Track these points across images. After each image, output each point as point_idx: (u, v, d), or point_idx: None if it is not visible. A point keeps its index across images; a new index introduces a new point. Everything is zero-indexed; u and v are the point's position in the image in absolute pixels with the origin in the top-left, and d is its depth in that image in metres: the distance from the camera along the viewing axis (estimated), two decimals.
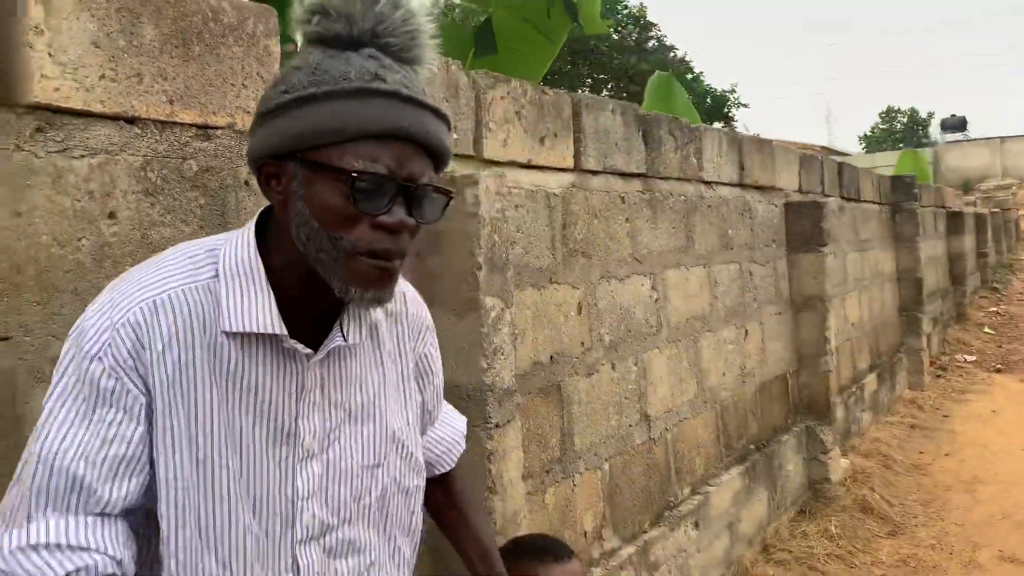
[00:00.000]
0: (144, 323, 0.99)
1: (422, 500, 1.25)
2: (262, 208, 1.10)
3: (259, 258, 1.03)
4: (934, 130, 42.15)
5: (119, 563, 0.97)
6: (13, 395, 1.36)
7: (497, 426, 2.14)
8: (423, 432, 1.31)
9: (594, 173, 3.04)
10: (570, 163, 2.89)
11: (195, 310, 1.01)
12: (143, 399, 0.99)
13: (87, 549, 0.95)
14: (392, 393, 1.18)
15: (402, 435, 1.18)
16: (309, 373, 1.07)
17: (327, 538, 1.10)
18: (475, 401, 2.11)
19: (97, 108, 1.49)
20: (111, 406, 0.98)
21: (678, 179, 3.62)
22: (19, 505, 0.96)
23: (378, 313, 1.16)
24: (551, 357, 2.74)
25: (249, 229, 1.07)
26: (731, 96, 19.92)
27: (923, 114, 46.47)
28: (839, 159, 6.25)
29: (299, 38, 1.05)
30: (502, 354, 2.14)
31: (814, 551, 4.08)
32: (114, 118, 1.52)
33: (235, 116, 1.74)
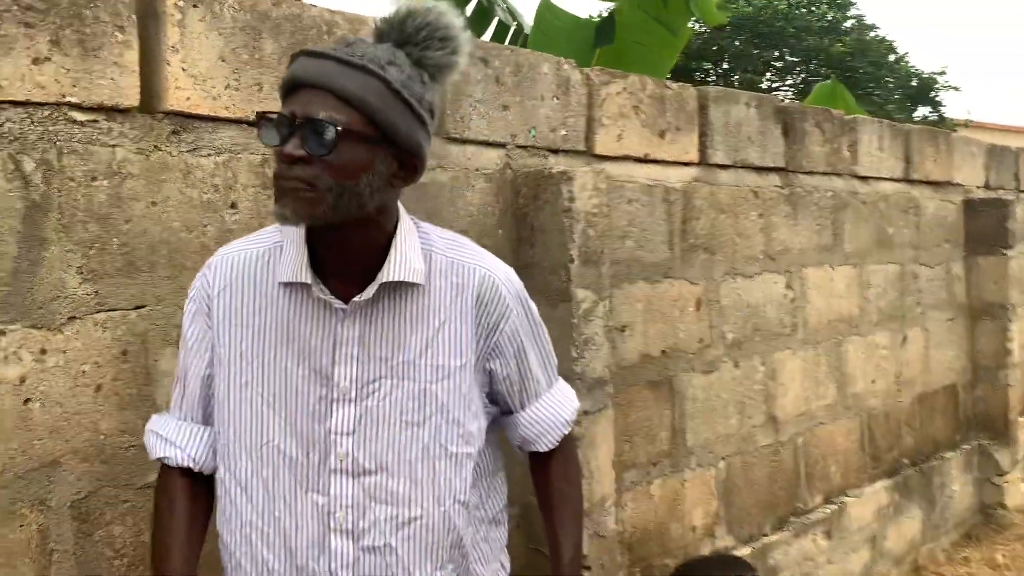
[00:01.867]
0: (211, 274, 1.32)
1: (472, 468, 1.34)
2: None
3: None
4: None
5: (194, 459, 1.32)
6: (146, 353, 1.66)
7: (586, 414, 2.23)
8: (520, 408, 1.41)
9: (722, 167, 3.01)
10: (694, 157, 2.89)
11: (249, 267, 1.29)
12: (209, 332, 1.30)
13: (173, 444, 1.32)
14: (440, 358, 1.28)
15: (445, 399, 1.29)
16: (343, 325, 1.24)
17: (366, 479, 1.25)
18: None
19: (223, 113, 1.75)
20: (192, 335, 1.32)
21: (824, 173, 3.47)
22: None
23: (435, 281, 1.29)
24: (663, 351, 2.77)
25: None
26: (939, 79, 18.06)
27: None
28: None
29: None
30: (593, 345, 2.22)
31: None
32: (237, 122, 1.78)
33: None
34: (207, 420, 1.33)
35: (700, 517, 2.92)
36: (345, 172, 1.15)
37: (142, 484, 1.63)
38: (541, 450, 1.46)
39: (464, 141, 2.21)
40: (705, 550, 2.94)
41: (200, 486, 1.34)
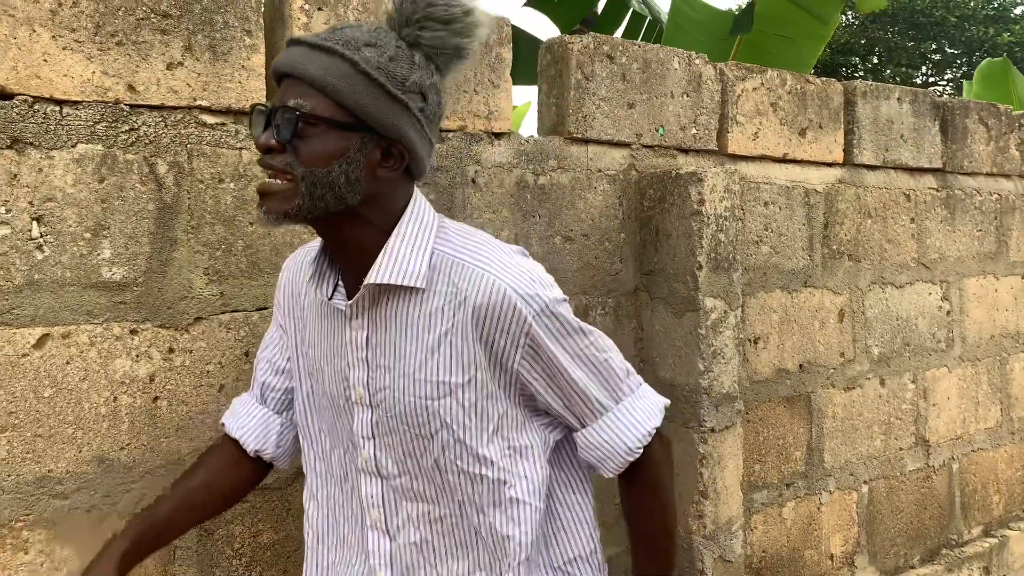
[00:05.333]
0: (282, 272, 1.37)
1: (501, 495, 1.21)
2: None
3: None
4: None
5: (241, 436, 1.36)
6: None
7: (712, 431, 2.09)
8: (579, 428, 1.25)
9: (870, 168, 2.78)
10: (838, 157, 2.68)
11: (302, 265, 1.30)
12: (279, 325, 1.37)
13: (234, 416, 1.39)
14: (440, 373, 1.16)
15: (449, 419, 1.17)
16: (351, 328, 1.20)
17: (393, 481, 1.22)
18: (690, 403, 2.08)
19: None
20: (271, 326, 1.41)
21: (989, 175, 3.14)
22: None
23: (438, 286, 1.16)
24: (800, 365, 2.58)
25: None
26: None
27: None
28: None
29: None
30: (722, 358, 2.08)
31: None
32: None
33: (465, 120, 1.92)
34: (265, 402, 1.39)
35: (839, 544, 2.70)
36: (314, 159, 1.09)
37: (261, 485, 1.65)
38: (606, 476, 1.28)
39: (586, 141, 2.13)
40: None
41: (244, 459, 1.38)
